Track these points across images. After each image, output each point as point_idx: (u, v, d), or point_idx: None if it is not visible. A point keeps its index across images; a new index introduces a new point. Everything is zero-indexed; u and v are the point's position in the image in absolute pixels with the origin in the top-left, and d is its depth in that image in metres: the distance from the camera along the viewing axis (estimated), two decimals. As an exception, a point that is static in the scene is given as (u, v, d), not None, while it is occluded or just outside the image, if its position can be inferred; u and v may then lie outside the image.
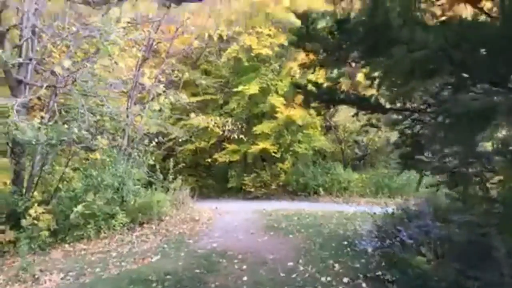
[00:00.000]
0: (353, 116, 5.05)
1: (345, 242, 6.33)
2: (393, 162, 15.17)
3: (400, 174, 14.66)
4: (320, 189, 14.85)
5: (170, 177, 11.06)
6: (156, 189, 10.49)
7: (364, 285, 4.46)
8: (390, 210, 6.38)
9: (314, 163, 15.64)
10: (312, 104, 4.92)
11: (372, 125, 5.82)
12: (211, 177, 17.50)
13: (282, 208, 11.40)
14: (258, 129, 15.17)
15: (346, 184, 14.91)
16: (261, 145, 14.93)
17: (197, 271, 5.30)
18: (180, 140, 15.74)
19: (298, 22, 4.39)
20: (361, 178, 15.05)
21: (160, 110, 11.93)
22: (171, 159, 11.92)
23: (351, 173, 15.25)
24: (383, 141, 14.59)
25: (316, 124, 15.48)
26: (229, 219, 9.82)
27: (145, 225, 8.92)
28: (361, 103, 4.56)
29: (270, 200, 15.05)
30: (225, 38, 15.51)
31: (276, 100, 14.95)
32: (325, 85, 4.77)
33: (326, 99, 4.67)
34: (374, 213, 6.37)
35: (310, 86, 4.68)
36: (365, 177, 15.04)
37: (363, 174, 15.33)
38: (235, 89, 15.47)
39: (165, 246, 6.99)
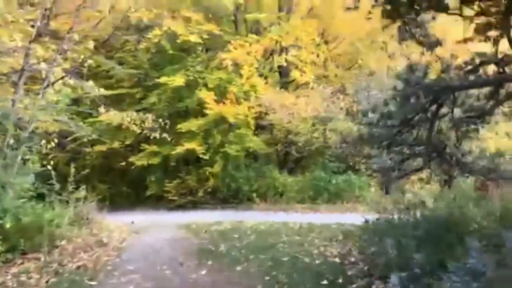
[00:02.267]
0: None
1: (325, 282, 4.56)
2: (332, 165, 14.03)
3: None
4: (254, 195, 13.20)
5: (71, 186, 8.59)
6: (51, 203, 7.99)
7: None
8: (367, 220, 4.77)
9: (247, 166, 13.95)
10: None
11: None
12: (127, 184, 14.98)
13: (214, 220, 9.50)
14: (183, 127, 13.09)
15: (282, 189, 13.42)
16: (187, 145, 12.88)
17: None
18: (87, 140, 13.16)
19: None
20: (298, 182, 13.66)
21: (57, 102, 9.39)
22: (72, 164, 9.37)
23: (287, 177, 13.81)
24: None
25: (249, 122, 13.79)
26: (149, 240, 7.67)
27: (29, 256, 6.45)
28: None
29: (197, 209, 13.05)
30: (144, 19, 13.23)
31: (205, 94, 12.99)
32: None
33: None
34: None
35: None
36: (302, 181, 13.68)
37: (299, 177, 13.97)
38: (157, 80, 13.21)
39: (52, 295, 4.73)
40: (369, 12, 5.54)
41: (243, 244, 6.62)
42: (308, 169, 14.30)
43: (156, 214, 12.15)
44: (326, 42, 16.55)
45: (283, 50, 15.40)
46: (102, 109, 11.29)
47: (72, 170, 8.99)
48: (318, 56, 15.33)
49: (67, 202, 8.45)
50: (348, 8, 6.10)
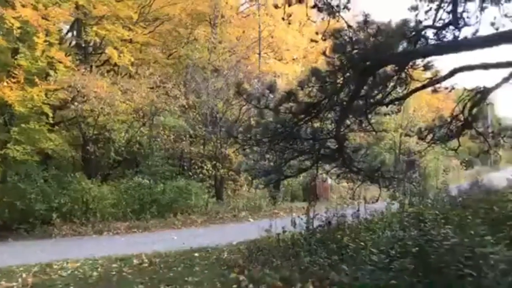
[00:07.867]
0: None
1: None
2: (161, 169, 11.39)
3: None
4: (54, 215, 9.34)
5: None
6: None
7: None
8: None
9: (42, 175, 9.90)
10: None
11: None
12: None
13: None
14: None
15: (95, 204, 10.00)
16: None
17: None
18: None
19: None
20: (117, 194, 10.48)
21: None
22: None
23: (101, 188, 10.41)
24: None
25: (45, 113, 9.81)
26: None
27: None
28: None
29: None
30: None
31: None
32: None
33: None
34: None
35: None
36: (123, 191, 10.56)
37: (116, 187, 10.77)
38: None
39: None
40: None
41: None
42: (128, 176, 11.22)
43: None
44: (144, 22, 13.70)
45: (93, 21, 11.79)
46: None
47: None
48: (136, 35, 12.37)
49: None
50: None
